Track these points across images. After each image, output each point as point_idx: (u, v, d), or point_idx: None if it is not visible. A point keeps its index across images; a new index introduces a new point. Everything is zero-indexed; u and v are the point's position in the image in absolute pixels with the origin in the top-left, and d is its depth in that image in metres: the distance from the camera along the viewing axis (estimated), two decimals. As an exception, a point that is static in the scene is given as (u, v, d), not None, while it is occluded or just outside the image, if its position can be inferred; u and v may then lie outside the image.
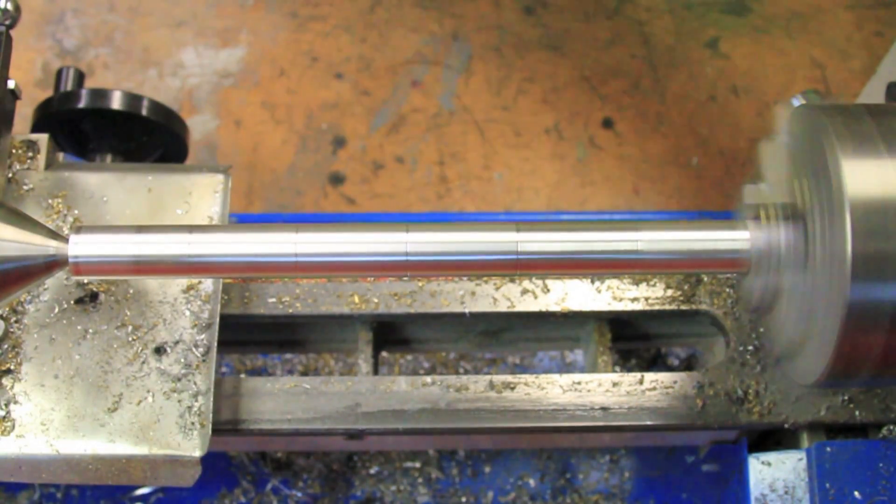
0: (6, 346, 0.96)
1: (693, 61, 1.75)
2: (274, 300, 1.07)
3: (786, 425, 1.03)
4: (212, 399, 0.96)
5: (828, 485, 0.97)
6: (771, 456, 1.01)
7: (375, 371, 1.09)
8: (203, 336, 0.99)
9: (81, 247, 0.81)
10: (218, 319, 1.00)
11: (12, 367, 0.96)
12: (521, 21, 1.78)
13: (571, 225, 0.82)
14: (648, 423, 1.03)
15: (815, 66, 1.76)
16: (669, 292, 1.08)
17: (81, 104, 1.19)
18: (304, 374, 1.30)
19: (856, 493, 0.96)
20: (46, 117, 1.19)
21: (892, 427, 1.01)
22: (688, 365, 1.29)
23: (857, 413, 1.03)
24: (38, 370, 0.96)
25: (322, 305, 1.07)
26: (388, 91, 1.71)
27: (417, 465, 1.26)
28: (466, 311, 1.07)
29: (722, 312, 1.08)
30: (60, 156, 1.10)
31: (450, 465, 1.27)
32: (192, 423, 0.95)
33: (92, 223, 1.02)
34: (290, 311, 1.07)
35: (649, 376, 1.04)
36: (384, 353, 1.25)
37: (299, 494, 1.25)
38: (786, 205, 0.82)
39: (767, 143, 0.82)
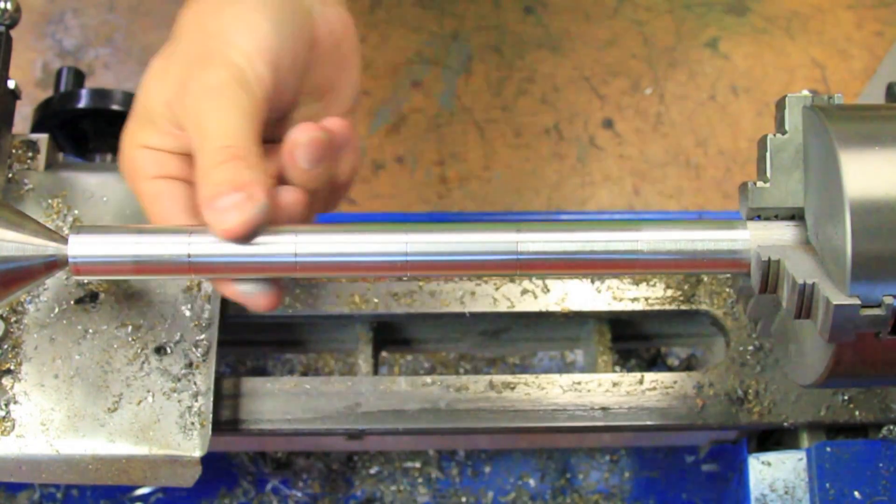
0: (6, 346, 0.96)
1: (693, 61, 1.75)
2: (274, 300, 1.07)
3: (785, 425, 1.03)
4: (212, 399, 0.96)
5: (828, 485, 0.97)
6: (771, 456, 1.01)
7: (375, 371, 1.09)
8: (203, 336, 0.99)
9: (81, 247, 0.81)
10: (218, 319, 1.00)
11: (12, 367, 0.96)
12: (520, 21, 1.78)
13: (571, 225, 0.82)
14: (648, 423, 1.03)
15: (815, 66, 1.76)
16: (669, 292, 1.08)
17: (81, 104, 1.19)
18: (304, 374, 1.30)
19: (856, 493, 0.96)
20: (46, 117, 1.19)
21: (892, 427, 1.01)
22: (688, 365, 1.29)
23: (857, 413, 1.03)
24: (38, 370, 0.96)
25: (322, 305, 1.07)
26: (388, 91, 1.71)
27: (417, 465, 1.26)
28: (466, 311, 1.07)
29: (722, 312, 1.08)
30: (60, 156, 1.10)
31: (450, 465, 1.27)
32: (192, 423, 0.95)
33: (92, 223, 1.02)
34: (290, 311, 1.07)
35: (649, 376, 1.05)
36: (384, 353, 1.25)
37: (299, 494, 1.25)
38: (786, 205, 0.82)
39: (766, 140, 0.82)
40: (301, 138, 0.84)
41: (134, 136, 0.88)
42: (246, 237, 0.80)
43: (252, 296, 0.85)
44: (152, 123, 0.86)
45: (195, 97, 0.83)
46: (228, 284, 0.85)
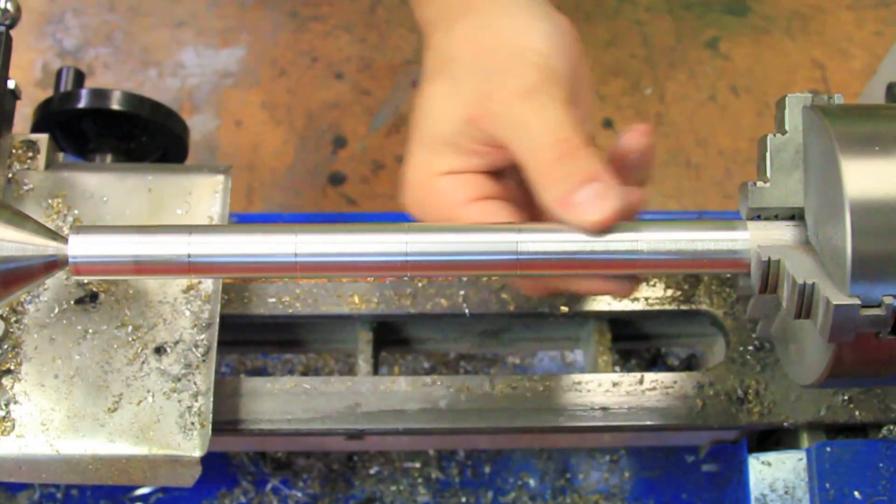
0: (6, 346, 0.96)
1: (693, 61, 1.75)
2: (274, 300, 1.07)
3: (786, 425, 1.03)
4: (212, 399, 0.96)
5: (828, 485, 0.97)
6: (771, 456, 1.01)
7: (375, 371, 1.09)
8: (203, 336, 0.99)
9: (81, 247, 0.81)
10: (218, 319, 1.00)
11: (12, 367, 0.96)
12: (521, 21, 1.78)
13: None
14: (648, 423, 1.03)
15: (815, 66, 1.76)
16: (669, 292, 1.08)
17: (81, 104, 1.19)
18: (304, 374, 1.30)
19: (856, 493, 0.96)
20: (46, 117, 1.19)
21: (892, 427, 1.01)
22: (688, 365, 1.29)
23: (857, 413, 1.03)
24: (38, 370, 0.96)
25: (322, 305, 1.07)
26: (388, 91, 1.71)
27: (417, 465, 1.26)
28: (466, 311, 1.07)
29: (722, 312, 1.08)
30: (60, 156, 1.10)
31: (450, 465, 1.27)
32: (192, 423, 0.95)
33: (92, 223, 1.02)
34: (290, 311, 1.07)
35: (649, 376, 1.05)
36: (384, 353, 1.25)
37: (299, 494, 1.25)
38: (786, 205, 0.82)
39: (766, 140, 0.82)
40: (634, 145, 0.86)
41: (429, 166, 0.85)
42: (611, 225, 0.80)
43: (612, 284, 0.85)
44: (451, 147, 0.84)
45: (508, 103, 0.81)
46: (590, 281, 0.86)
